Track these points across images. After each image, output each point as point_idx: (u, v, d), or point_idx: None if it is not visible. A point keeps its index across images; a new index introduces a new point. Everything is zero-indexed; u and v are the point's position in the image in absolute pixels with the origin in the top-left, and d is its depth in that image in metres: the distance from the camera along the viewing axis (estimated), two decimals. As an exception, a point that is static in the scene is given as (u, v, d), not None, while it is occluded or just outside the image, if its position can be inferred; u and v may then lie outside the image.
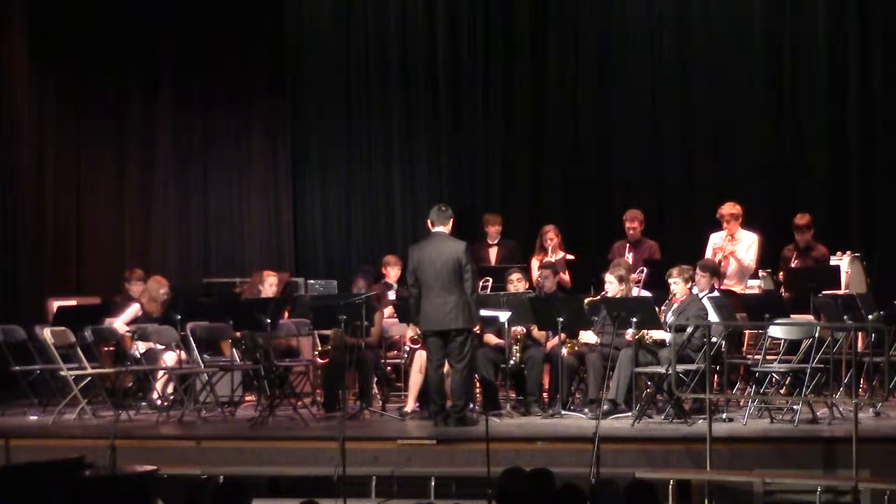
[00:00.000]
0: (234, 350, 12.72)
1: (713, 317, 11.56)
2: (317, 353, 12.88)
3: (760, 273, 13.42)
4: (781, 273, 13.14)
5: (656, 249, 13.50)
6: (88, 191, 15.89)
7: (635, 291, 12.40)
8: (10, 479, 8.12)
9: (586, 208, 15.51)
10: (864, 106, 15.06)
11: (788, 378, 11.90)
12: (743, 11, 15.37)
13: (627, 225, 13.57)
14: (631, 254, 13.39)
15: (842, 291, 12.61)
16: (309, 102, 16.22)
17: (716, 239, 13.24)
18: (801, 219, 13.23)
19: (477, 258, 13.76)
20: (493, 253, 14.21)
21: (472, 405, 11.85)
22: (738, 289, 12.98)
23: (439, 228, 11.61)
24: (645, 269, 12.89)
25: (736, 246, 13.09)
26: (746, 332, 12.60)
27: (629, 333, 11.57)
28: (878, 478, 9.91)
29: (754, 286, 13.34)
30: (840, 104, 15.13)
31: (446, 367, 11.49)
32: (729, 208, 13.17)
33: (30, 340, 12.87)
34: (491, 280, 13.36)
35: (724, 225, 13.16)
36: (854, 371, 10.82)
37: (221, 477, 10.18)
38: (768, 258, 13.62)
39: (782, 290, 12.85)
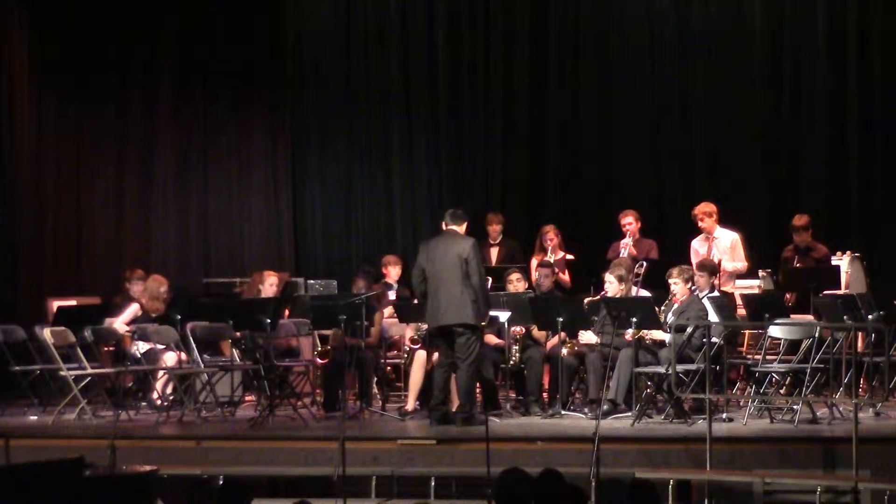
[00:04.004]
0: (234, 350, 12.72)
1: (713, 317, 11.56)
2: (317, 353, 12.88)
3: (760, 273, 13.42)
4: (781, 275, 13.12)
5: (654, 248, 13.50)
6: (88, 191, 15.89)
7: (634, 291, 12.39)
8: (10, 479, 8.12)
9: (586, 208, 15.51)
10: (864, 106, 15.07)
11: (788, 378, 11.90)
12: (743, 11, 15.37)
13: (623, 222, 13.57)
14: (630, 251, 13.35)
15: (842, 291, 12.61)
16: (309, 102, 16.23)
17: (696, 245, 13.22)
18: (799, 220, 13.21)
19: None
20: (493, 253, 14.19)
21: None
22: (728, 288, 12.96)
23: (451, 227, 11.58)
24: (644, 263, 12.92)
25: (715, 243, 13.08)
26: (746, 331, 12.60)
27: (629, 333, 11.57)
28: (878, 478, 9.91)
29: (754, 286, 13.34)
30: (840, 104, 15.14)
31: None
32: (702, 207, 13.18)
33: (30, 340, 12.86)
34: (490, 280, 13.35)
35: (699, 224, 13.16)
36: (854, 371, 10.82)
37: (221, 477, 10.18)
38: (768, 258, 13.62)
39: (787, 295, 12.83)
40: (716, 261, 12.79)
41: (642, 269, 12.75)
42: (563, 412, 11.79)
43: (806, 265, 13.04)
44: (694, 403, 11.41)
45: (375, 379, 12.73)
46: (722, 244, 13.11)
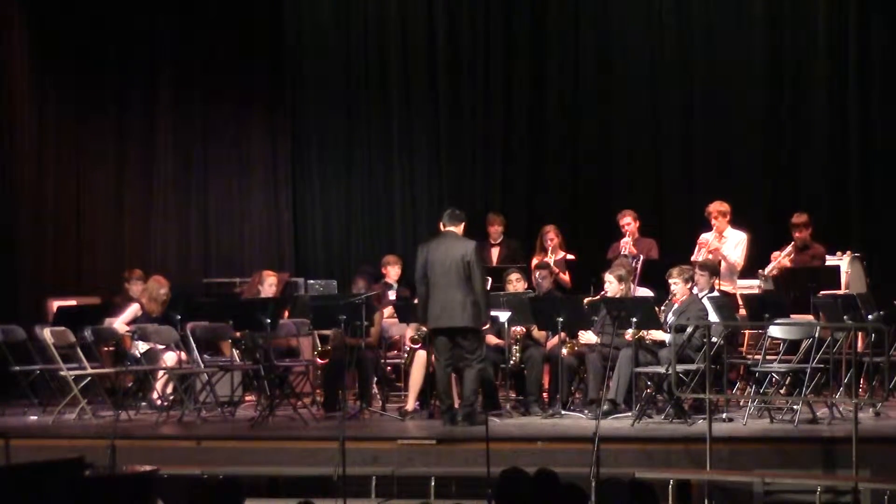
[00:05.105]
0: (234, 350, 12.72)
1: (713, 317, 11.56)
2: (317, 353, 12.88)
3: (760, 273, 13.40)
4: (778, 273, 13.09)
5: (654, 247, 13.50)
6: (88, 191, 15.88)
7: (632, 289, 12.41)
8: (10, 479, 8.12)
9: (586, 208, 15.51)
10: (864, 106, 15.07)
11: (788, 378, 11.90)
12: (743, 11, 15.37)
13: (622, 222, 13.57)
14: (630, 251, 13.35)
15: (842, 291, 12.60)
16: (309, 102, 16.23)
17: (702, 239, 13.22)
18: (798, 217, 13.21)
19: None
20: (494, 253, 14.19)
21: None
22: (729, 288, 12.95)
23: (450, 228, 11.57)
24: (641, 257, 12.91)
25: (723, 244, 13.07)
26: (746, 331, 12.59)
27: (629, 333, 11.57)
28: (878, 478, 9.91)
29: (754, 286, 13.33)
30: (840, 104, 15.14)
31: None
32: (716, 206, 13.16)
33: (30, 340, 12.87)
34: (490, 280, 13.34)
35: (712, 222, 13.16)
36: (854, 371, 10.81)
37: (221, 477, 10.17)
38: (768, 258, 13.61)
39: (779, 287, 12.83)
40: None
41: (639, 264, 12.75)
42: (563, 412, 11.78)
43: (801, 262, 13.02)
44: (694, 403, 11.42)
45: (375, 379, 12.73)
46: (728, 242, 13.11)
